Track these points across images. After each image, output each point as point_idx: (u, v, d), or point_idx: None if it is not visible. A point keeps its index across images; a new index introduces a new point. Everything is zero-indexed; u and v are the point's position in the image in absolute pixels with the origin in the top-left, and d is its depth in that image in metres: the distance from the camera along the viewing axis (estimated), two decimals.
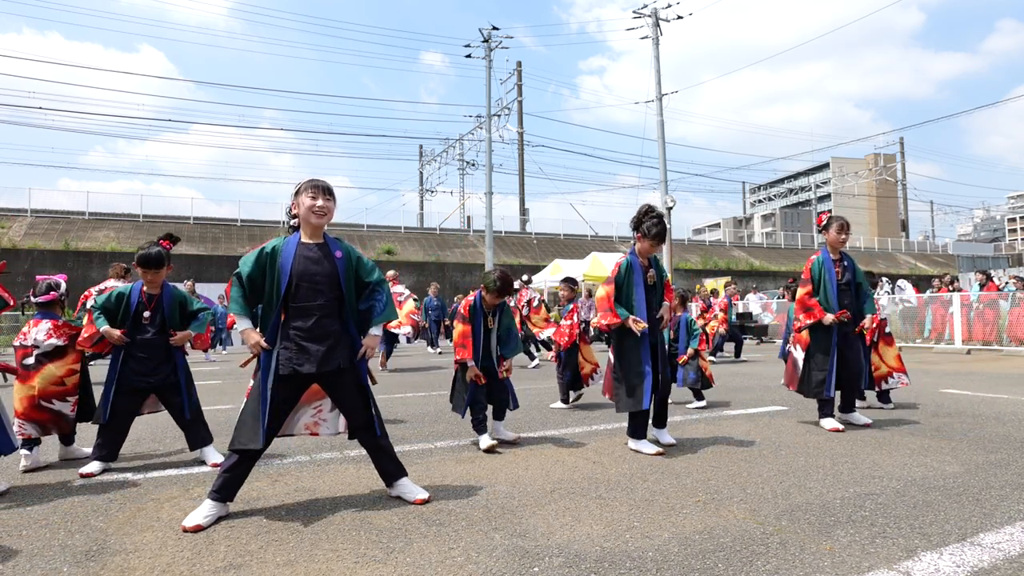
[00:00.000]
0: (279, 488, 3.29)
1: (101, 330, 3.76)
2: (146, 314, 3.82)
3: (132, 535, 2.60)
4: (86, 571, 2.24)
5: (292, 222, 3.07)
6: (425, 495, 3.01)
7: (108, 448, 3.70)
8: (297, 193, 3.02)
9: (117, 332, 3.76)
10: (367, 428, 3.04)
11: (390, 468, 3.08)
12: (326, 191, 3.01)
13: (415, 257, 29.79)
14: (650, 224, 4.11)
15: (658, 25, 24.20)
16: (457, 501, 3.01)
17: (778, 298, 20.47)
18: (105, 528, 2.69)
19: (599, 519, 2.72)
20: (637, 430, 4.09)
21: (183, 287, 12.21)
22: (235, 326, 2.95)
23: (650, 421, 4.26)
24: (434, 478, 3.44)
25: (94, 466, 3.64)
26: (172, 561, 2.32)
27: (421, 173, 47.15)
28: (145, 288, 3.87)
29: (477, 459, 3.92)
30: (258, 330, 2.94)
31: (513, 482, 3.35)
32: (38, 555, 2.40)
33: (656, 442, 4.16)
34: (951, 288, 14.35)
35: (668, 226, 4.41)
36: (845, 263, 4.90)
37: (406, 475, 3.10)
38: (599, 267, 20.39)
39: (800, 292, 4.90)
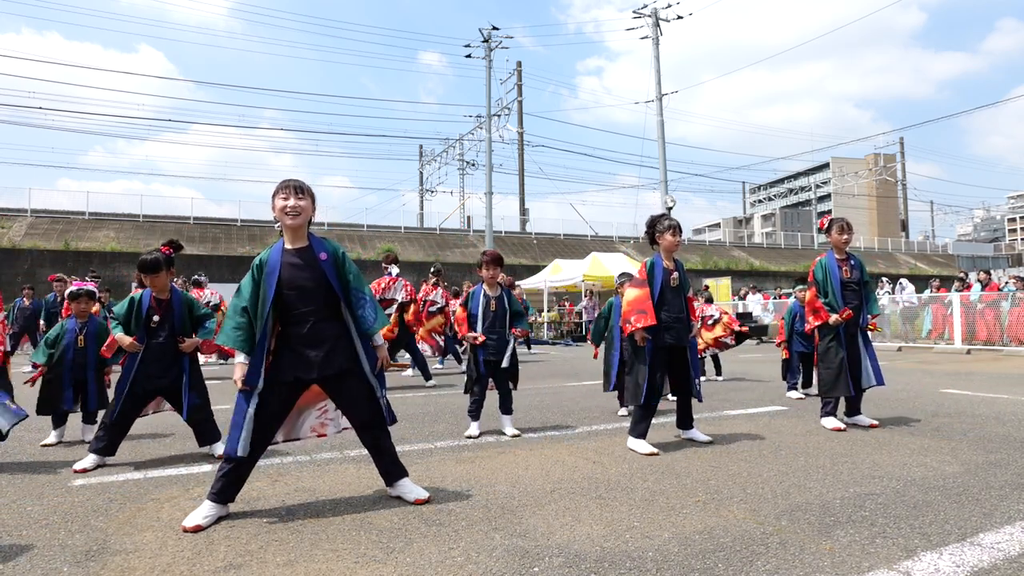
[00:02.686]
0: (279, 488, 3.29)
1: (115, 337, 3.88)
2: (155, 318, 3.92)
3: (132, 535, 2.60)
4: (86, 571, 2.24)
5: (276, 226, 3.04)
6: (425, 495, 3.01)
7: (107, 443, 3.77)
8: (272, 196, 2.95)
9: (129, 339, 3.85)
10: (372, 426, 3.02)
11: (391, 468, 3.08)
12: (298, 190, 2.92)
13: (415, 257, 29.79)
14: (665, 223, 4.30)
15: (658, 25, 24.22)
16: (457, 501, 3.01)
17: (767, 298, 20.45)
18: (105, 528, 2.69)
19: (599, 519, 2.72)
20: (636, 428, 4.11)
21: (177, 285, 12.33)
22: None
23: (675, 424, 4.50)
24: (434, 478, 3.44)
25: (89, 460, 3.70)
26: (172, 561, 2.32)
27: (421, 173, 47.22)
28: (155, 294, 3.96)
29: (477, 459, 3.92)
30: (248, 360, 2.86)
31: (513, 482, 3.35)
32: (38, 555, 2.40)
33: (692, 440, 4.35)
34: (960, 287, 14.31)
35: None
36: (852, 262, 4.93)
37: (407, 475, 3.10)
38: (599, 267, 20.39)
39: (808, 295, 5.01)
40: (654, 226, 4.32)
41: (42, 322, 11.01)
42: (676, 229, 4.27)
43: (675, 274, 4.27)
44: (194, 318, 4.09)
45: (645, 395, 4.07)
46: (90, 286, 4.77)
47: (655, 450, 3.99)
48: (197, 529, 2.63)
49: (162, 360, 3.90)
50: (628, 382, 4.26)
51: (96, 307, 4.86)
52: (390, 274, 8.03)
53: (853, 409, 4.89)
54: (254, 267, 2.91)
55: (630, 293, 4.24)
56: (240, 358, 2.84)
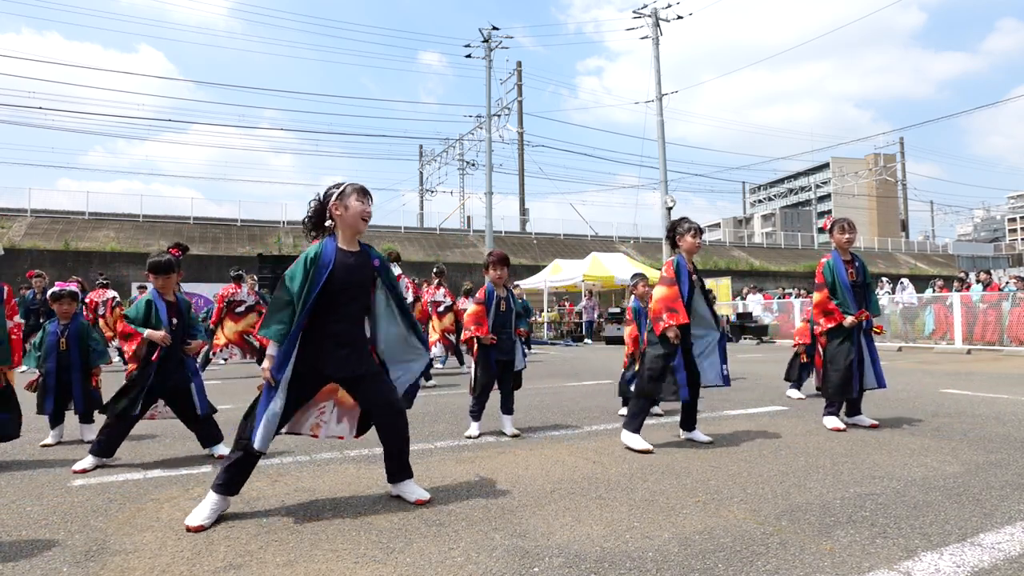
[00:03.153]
0: (279, 488, 3.28)
1: (145, 335, 3.81)
2: (174, 320, 3.93)
3: (132, 535, 2.60)
4: (86, 571, 2.24)
5: (329, 223, 3.01)
6: (426, 496, 3.01)
7: (108, 445, 3.76)
8: (342, 195, 2.96)
9: (161, 332, 3.83)
10: (403, 413, 3.04)
11: (399, 468, 3.08)
12: (370, 196, 3.03)
13: (415, 257, 29.78)
14: (686, 225, 4.35)
15: (658, 25, 24.21)
16: (457, 501, 3.01)
17: (779, 298, 20.45)
18: (105, 528, 2.69)
19: (599, 519, 2.72)
20: (633, 422, 4.15)
21: None
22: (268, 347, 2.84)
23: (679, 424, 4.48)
24: (434, 478, 3.44)
25: (88, 461, 3.71)
26: (172, 561, 2.32)
27: (421, 173, 47.24)
28: (163, 295, 3.96)
29: (477, 459, 3.92)
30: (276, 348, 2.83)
31: (513, 482, 3.35)
32: (38, 555, 2.40)
33: (692, 441, 4.34)
34: (959, 287, 14.32)
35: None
36: (857, 264, 4.91)
37: (411, 476, 3.10)
38: (599, 267, 20.39)
39: (817, 296, 4.90)
40: (675, 229, 4.38)
41: (20, 319, 10.85)
42: (697, 231, 4.33)
43: (695, 275, 4.33)
44: (191, 319, 4.12)
45: (678, 392, 4.11)
46: (72, 287, 4.74)
47: (650, 447, 4.01)
48: (200, 529, 2.63)
49: (170, 360, 3.91)
50: (649, 376, 4.18)
51: (117, 314, 4.81)
52: None
53: (854, 409, 4.89)
54: (307, 259, 2.89)
55: (659, 291, 4.22)
56: (272, 349, 2.82)
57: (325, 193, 3.03)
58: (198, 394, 3.98)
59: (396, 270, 8.04)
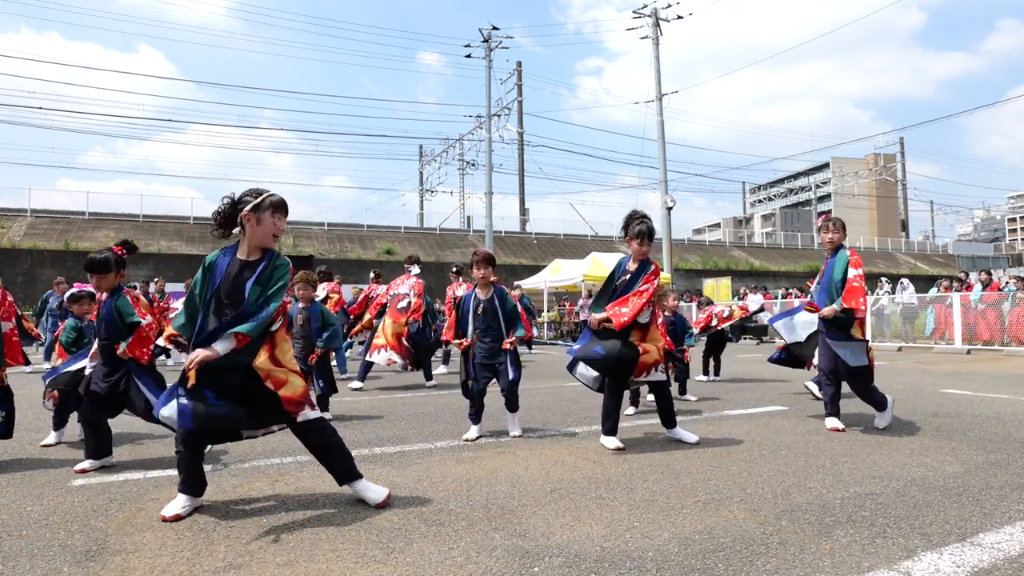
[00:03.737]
0: (279, 488, 3.29)
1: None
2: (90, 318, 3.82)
3: (132, 535, 2.60)
4: (86, 571, 2.24)
5: (236, 231, 2.90)
6: (384, 493, 2.95)
7: (97, 448, 3.74)
8: (257, 208, 2.83)
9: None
10: (314, 423, 2.98)
11: (335, 468, 3.01)
12: (286, 212, 2.98)
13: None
14: (636, 228, 4.27)
15: (658, 25, 24.22)
16: (457, 501, 3.01)
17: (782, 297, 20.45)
18: (105, 528, 2.69)
19: (599, 519, 2.72)
20: (603, 425, 4.27)
21: (153, 286, 12.00)
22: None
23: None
24: (434, 478, 3.44)
25: (88, 461, 3.72)
26: (172, 561, 2.32)
27: (421, 173, 47.26)
28: (99, 296, 3.90)
29: (477, 459, 3.92)
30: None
31: (513, 482, 3.35)
32: (38, 555, 2.40)
33: (680, 441, 4.34)
34: (959, 287, 14.33)
35: (654, 226, 4.54)
36: (830, 260, 4.91)
37: (359, 477, 3.02)
38: (599, 267, 20.37)
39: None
40: (628, 226, 4.31)
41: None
42: (644, 238, 4.22)
43: (626, 276, 4.27)
44: (125, 325, 3.81)
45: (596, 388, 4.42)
46: (90, 288, 4.73)
47: (621, 444, 4.12)
48: (176, 518, 2.74)
49: (107, 364, 3.75)
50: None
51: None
52: (407, 272, 8.30)
53: (880, 405, 4.67)
54: (203, 266, 2.91)
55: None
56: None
57: (240, 198, 2.89)
58: (149, 390, 3.73)
59: (415, 268, 8.31)
